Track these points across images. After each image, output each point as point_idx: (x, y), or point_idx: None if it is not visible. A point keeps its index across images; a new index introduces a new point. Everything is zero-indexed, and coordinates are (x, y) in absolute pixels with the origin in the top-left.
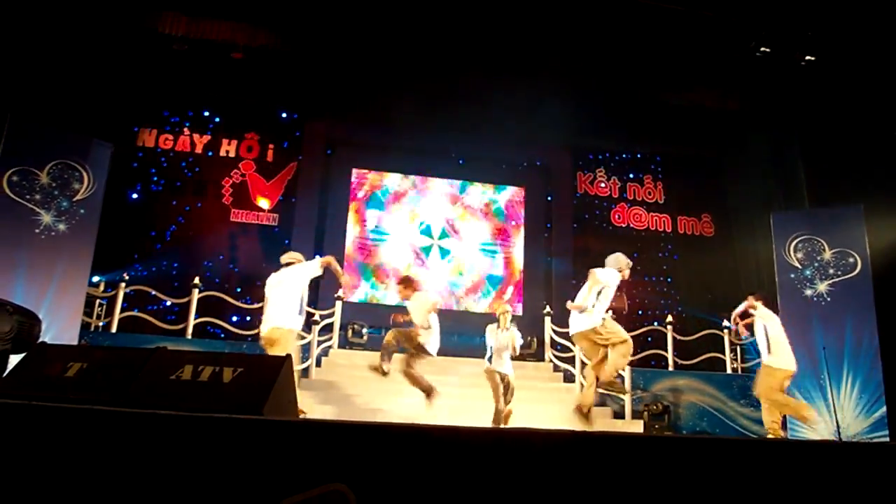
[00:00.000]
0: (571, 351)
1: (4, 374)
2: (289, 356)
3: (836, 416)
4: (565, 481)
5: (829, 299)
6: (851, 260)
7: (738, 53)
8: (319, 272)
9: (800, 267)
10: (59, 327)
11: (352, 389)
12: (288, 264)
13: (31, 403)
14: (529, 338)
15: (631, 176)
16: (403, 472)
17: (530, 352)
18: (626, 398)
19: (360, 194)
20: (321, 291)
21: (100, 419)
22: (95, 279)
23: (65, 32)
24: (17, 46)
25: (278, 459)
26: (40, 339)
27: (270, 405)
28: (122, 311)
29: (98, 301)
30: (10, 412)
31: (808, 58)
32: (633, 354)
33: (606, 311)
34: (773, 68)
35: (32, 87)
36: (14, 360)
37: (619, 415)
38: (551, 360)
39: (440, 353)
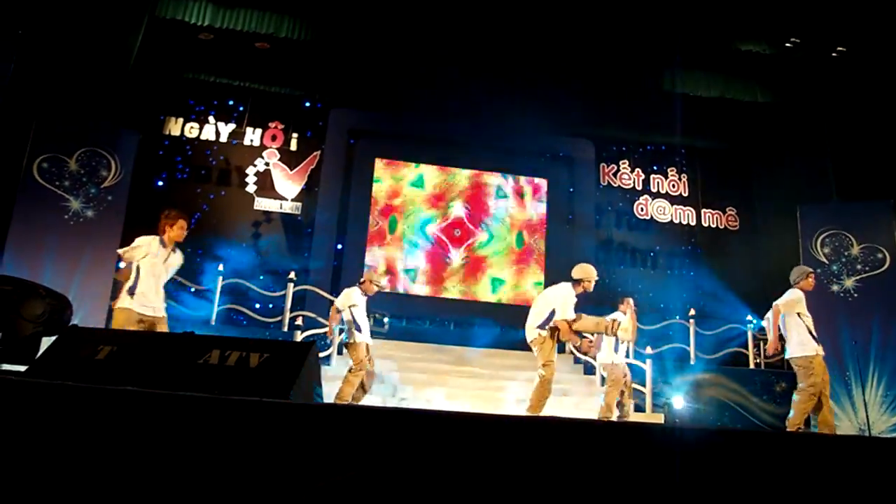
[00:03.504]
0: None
1: (37, 356)
2: (313, 342)
3: (867, 412)
4: (584, 468)
5: (856, 295)
6: (880, 255)
7: (767, 44)
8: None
9: (827, 262)
10: (87, 311)
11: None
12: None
13: (64, 384)
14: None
15: (655, 168)
16: (425, 456)
17: None
18: (647, 392)
19: (383, 183)
20: (341, 282)
21: (130, 401)
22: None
23: (93, 23)
24: (48, 38)
25: (306, 442)
26: (71, 323)
27: (297, 390)
28: None
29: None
30: (43, 393)
31: (838, 49)
32: (654, 348)
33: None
34: (802, 59)
35: (62, 76)
36: (46, 342)
37: (639, 408)
38: (571, 353)
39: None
